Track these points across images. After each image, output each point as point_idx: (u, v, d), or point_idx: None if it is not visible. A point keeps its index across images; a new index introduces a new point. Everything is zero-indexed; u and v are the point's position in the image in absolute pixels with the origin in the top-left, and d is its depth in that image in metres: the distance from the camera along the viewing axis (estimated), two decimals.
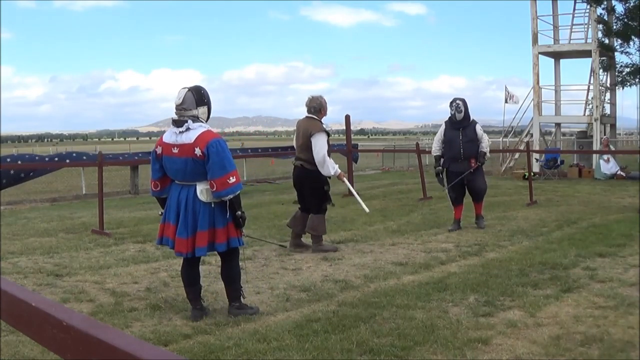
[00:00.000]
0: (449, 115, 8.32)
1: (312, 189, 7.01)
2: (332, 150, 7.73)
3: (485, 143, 8.34)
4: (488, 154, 8.47)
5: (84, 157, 15.40)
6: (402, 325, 4.27)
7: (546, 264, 6.05)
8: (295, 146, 7.27)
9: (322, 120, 7.07)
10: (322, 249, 6.97)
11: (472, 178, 8.30)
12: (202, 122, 4.52)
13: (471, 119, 8.31)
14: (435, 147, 8.51)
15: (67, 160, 14.76)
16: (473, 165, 8.23)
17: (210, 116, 4.68)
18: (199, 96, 4.53)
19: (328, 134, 6.97)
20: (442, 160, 8.41)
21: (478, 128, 8.29)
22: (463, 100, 8.30)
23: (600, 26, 17.98)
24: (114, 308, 4.84)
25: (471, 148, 8.20)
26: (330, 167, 6.82)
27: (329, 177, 7.15)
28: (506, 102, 20.49)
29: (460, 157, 8.22)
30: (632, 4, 17.21)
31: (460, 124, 8.23)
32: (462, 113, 8.19)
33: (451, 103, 8.29)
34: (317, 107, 6.99)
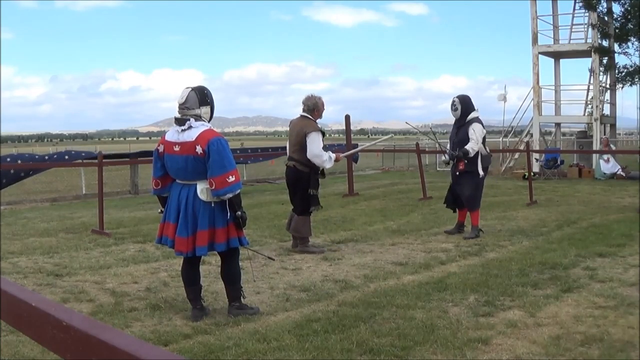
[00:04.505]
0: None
1: (301, 191, 6.94)
2: (332, 150, 7.70)
3: (471, 144, 7.61)
4: (470, 154, 7.62)
5: (83, 154, 15.35)
6: (402, 325, 4.27)
7: (546, 264, 6.05)
8: (288, 146, 7.18)
9: (317, 121, 6.96)
10: (308, 250, 6.91)
11: (459, 182, 7.89)
12: (204, 121, 4.53)
13: (469, 118, 7.77)
14: (448, 145, 8.15)
15: (67, 157, 14.73)
16: (461, 168, 7.79)
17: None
18: (202, 96, 4.55)
19: (323, 133, 6.92)
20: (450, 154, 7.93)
21: (471, 129, 7.67)
22: (461, 98, 7.86)
23: (598, 29, 17.96)
24: (114, 308, 4.83)
25: (460, 150, 7.69)
26: (327, 159, 6.77)
27: (323, 177, 7.12)
28: (502, 99, 20.52)
29: (452, 156, 7.80)
30: (628, 5, 17.23)
31: (458, 123, 7.87)
32: (458, 111, 7.79)
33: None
34: (311, 106, 6.91)
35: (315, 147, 6.71)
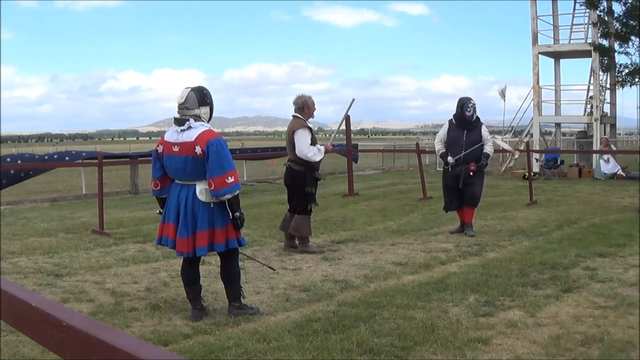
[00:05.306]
0: (454, 113, 8.04)
1: (298, 190, 6.97)
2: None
3: (490, 147, 8.02)
4: (491, 156, 8.16)
5: (83, 154, 15.34)
6: (402, 325, 4.27)
7: (546, 264, 6.05)
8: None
9: (308, 120, 6.97)
10: (308, 250, 6.92)
11: (471, 181, 7.96)
12: (203, 121, 4.53)
13: (478, 119, 8.04)
14: (439, 146, 8.18)
15: (67, 158, 14.71)
16: (472, 169, 7.88)
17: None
18: (201, 96, 4.55)
19: (311, 130, 6.94)
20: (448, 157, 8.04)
21: (484, 130, 7.99)
22: (473, 100, 8.03)
23: (598, 28, 17.97)
24: (114, 308, 4.84)
25: (474, 151, 7.84)
26: (316, 153, 6.79)
27: (319, 179, 7.11)
28: (501, 94, 20.55)
29: (460, 159, 7.89)
30: (629, 4, 17.23)
31: (469, 125, 7.94)
32: (473, 114, 7.94)
33: (466, 103, 7.92)
34: (300, 104, 6.94)
35: (301, 144, 6.76)
